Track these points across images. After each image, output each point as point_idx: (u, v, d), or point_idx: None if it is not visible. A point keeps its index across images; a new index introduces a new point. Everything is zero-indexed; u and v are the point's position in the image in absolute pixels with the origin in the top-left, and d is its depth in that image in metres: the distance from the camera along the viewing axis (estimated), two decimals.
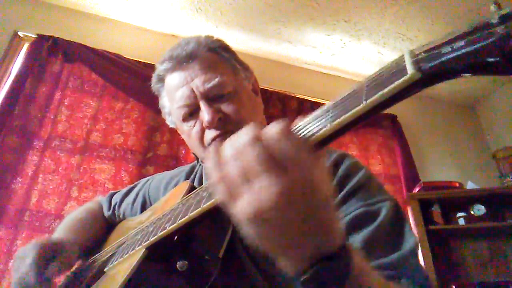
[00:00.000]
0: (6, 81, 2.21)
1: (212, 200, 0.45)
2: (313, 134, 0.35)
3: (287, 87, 2.83)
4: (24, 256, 0.75)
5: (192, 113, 0.75)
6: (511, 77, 3.07)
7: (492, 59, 0.26)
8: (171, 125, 0.88)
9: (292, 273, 0.37)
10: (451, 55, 0.28)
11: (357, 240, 0.57)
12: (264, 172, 0.32)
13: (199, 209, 0.48)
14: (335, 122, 0.34)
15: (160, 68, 0.79)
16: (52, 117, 2.20)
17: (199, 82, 0.73)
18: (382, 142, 2.96)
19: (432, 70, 0.29)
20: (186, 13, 2.57)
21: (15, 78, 2.16)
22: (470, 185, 2.59)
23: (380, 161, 2.85)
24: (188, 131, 0.77)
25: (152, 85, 0.85)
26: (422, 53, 0.30)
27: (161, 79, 0.81)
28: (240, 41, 2.79)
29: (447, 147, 3.19)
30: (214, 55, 0.78)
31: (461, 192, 2.49)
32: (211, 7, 2.51)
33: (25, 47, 2.35)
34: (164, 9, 2.55)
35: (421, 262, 2.20)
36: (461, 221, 2.44)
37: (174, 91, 0.76)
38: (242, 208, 0.33)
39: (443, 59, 0.28)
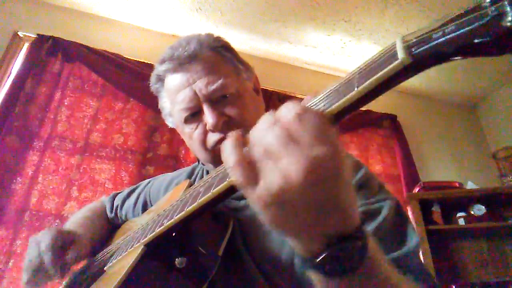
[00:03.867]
0: (6, 81, 2.21)
1: (209, 194, 0.45)
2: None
3: (287, 87, 2.83)
4: (40, 241, 0.74)
5: (194, 115, 0.74)
6: (511, 77, 3.07)
7: (482, 40, 0.26)
8: (171, 126, 0.87)
9: (306, 254, 0.36)
10: (442, 39, 0.28)
11: None
12: (288, 151, 0.31)
13: (195, 203, 0.48)
14: (327, 111, 0.34)
15: (159, 69, 0.77)
16: (52, 117, 2.20)
17: (202, 84, 0.71)
18: (382, 142, 2.96)
19: (423, 55, 0.29)
20: (186, 13, 2.57)
21: (15, 78, 2.16)
22: (470, 185, 2.59)
23: (380, 161, 2.85)
24: (190, 133, 0.76)
25: (151, 85, 0.83)
26: (414, 39, 0.30)
27: (161, 79, 0.80)
28: (240, 41, 2.79)
29: (447, 147, 3.19)
30: (216, 55, 0.76)
31: (461, 192, 2.49)
32: (211, 7, 2.51)
33: (25, 47, 2.35)
34: (164, 9, 2.55)
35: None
36: (461, 221, 2.44)
37: (175, 93, 0.75)
38: (265, 189, 0.32)
39: (434, 43, 0.28)
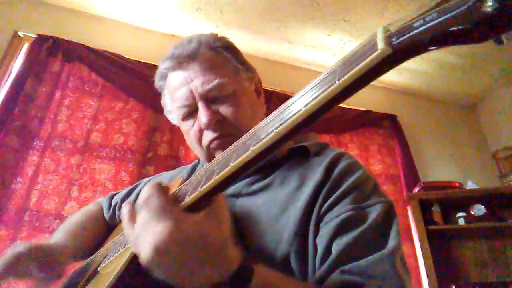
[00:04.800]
0: (6, 81, 2.20)
1: (196, 192, 0.45)
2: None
3: (287, 87, 2.83)
4: (16, 247, 0.73)
5: (191, 113, 0.75)
6: (511, 77, 3.07)
7: (462, 27, 0.25)
8: (173, 122, 0.88)
9: None
10: (422, 28, 0.27)
11: (340, 243, 0.57)
12: (143, 229, 0.43)
13: (183, 203, 0.47)
14: (308, 106, 0.34)
15: (162, 66, 0.80)
16: (52, 117, 2.20)
17: (198, 83, 0.73)
18: (382, 142, 2.96)
19: (403, 45, 0.28)
20: (186, 13, 2.57)
21: (15, 78, 2.16)
22: (470, 185, 2.59)
23: (380, 161, 2.85)
24: (187, 131, 0.77)
25: (155, 82, 0.85)
26: (395, 28, 0.29)
27: (164, 77, 0.81)
28: (240, 41, 2.77)
29: (447, 147, 3.19)
30: (215, 55, 0.77)
31: (461, 192, 2.49)
32: (211, 7, 2.51)
33: (25, 47, 2.35)
34: (164, 9, 2.55)
35: (422, 263, 2.20)
36: (461, 221, 2.44)
37: (174, 91, 0.77)
38: (144, 248, 0.42)
39: (414, 32, 0.27)
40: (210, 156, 0.75)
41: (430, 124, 3.28)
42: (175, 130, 2.40)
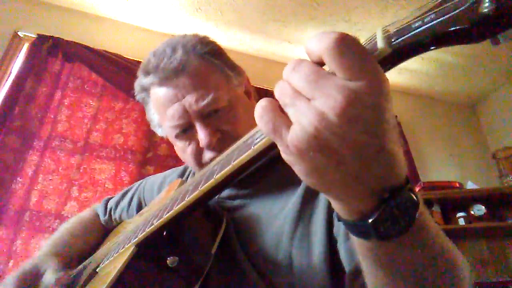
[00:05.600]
0: (6, 81, 2.21)
1: (197, 192, 0.45)
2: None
3: None
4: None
5: (185, 130, 0.70)
6: (511, 77, 3.07)
7: (460, 27, 0.25)
8: (161, 135, 0.82)
9: (353, 216, 0.32)
10: (421, 28, 0.27)
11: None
12: (321, 86, 0.28)
13: (184, 202, 0.48)
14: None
15: (144, 81, 0.73)
16: (52, 117, 2.20)
17: (192, 100, 0.66)
18: None
19: (402, 45, 0.28)
20: (186, 13, 2.57)
21: (15, 78, 2.16)
22: (470, 185, 2.59)
23: None
24: (183, 148, 0.72)
25: (136, 94, 0.79)
26: (394, 29, 0.29)
27: (145, 89, 0.75)
28: (240, 41, 2.79)
29: (447, 147, 3.19)
30: (205, 64, 0.70)
31: (461, 192, 2.49)
32: (211, 7, 2.51)
33: (25, 47, 2.35)
34: (164, 9, 2.55)
35: None
36: (461, 221, 2.44)
37: (163, 107, 0.70)
38: (299, 133, 0.28)
39: (413, 33, 0.28)
40: None
41: (430, 124, 3.28)
42: None
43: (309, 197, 0.64)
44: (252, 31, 2.72)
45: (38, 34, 2.32)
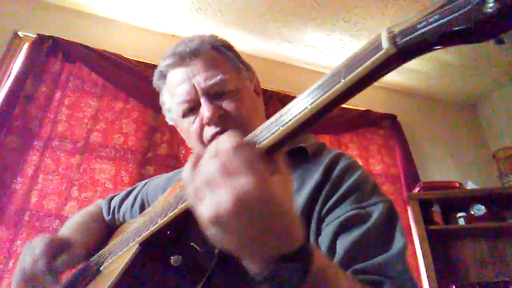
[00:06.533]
0: (6, 81, 2.21)
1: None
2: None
3: (287, 87, 2.83)
4: (33, 247, 0.74)
5: (192, 109, 0.75)
6: (511, 77, 3.07)
7: (464, 27, 0.26)
8: (171, 122, 0.87)
9: (253, 272, 0.40)
10: (426, 28, 0.28)
11: (346, 241, 0.57)
12: (221, 181, 0.35)
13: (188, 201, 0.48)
14: (314, 104, 0.35)
15: (162, 64, 0.79)
16: (52, 117, 2.20)
17: (201, 78, 0.72)
18: (382, 142, 2.96)
19: (407, 44, 0.29)
20: (186, 13, 2.57)
21: (15, 78, 2.16)
22: (470, 185, 2.59)
23: (380, 161, 2.85)
24: (187, 127, 0.76)
25: (153, 81, 0.85)
26: (399, 29, 0.30)
27: (163, 75, 0.81)
28: (240, 41, 2.79)
29: (447, 147, 3.19)
30: (218, 54, 0.77)
31: (461, 192, 2.49)
32: (211, 7, 2.51)
33: (25, 47, 2.35)
34: (164, 9, 2.55)
35: (422, 263, 2.21)
36: (461, 221, 2.44)
37: (175, 87, 0.76)
38: (203, 211, 0.36)
39: (418, 33, 0.29)
40: None
41: (430, 124, 3.28)
42: (175, 130, 2.39)
43: (309, 207, 0.65)
44: (252, 31, 2.72)
45: (38, 34, 2.32)
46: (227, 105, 0.73)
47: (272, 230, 0.37)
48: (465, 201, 2.46)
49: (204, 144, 0.74)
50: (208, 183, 0.36)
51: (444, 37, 0.27)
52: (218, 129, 0.71)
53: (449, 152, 3.17)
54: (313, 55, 2.95)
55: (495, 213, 2.48)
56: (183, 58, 0.74)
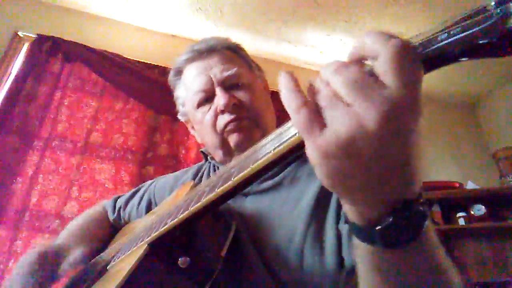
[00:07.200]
0: (6, 81, 2.20)
1: (213, 193, 0.45)
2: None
3: None
4: (21, 266, 0.74)
5: (207, 99, 0.78)
6: (511, 77, 3.07)
7: (488, 41, 0.26)
8: (182, 119, 0.90)
9: (362, 221, 0.32)
10: (447, 41, 0.28)
11: None
12: (366, 93, 0.27)
13: (199, 203, 0.48)
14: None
15: (179, 60, 0.83)
16: (52, 117, 2.20)
17: (217, 70, 0.77)
18: None
19: (429, 56, 0.29)
20: (186, 13, 2.57)
21: (15, 78, 2.16)
22: (470, 185, 2.59)
23: None
24: (201, 117, 0.78)
25: (169, 78, 0.88)
26: (419, 41, 0.30)
27: (179, 71, 0.85)
28: (240, 41, 2.78)
29: (447, 147, 3.19)
30: (232, 52, 0.83)
31: (461, 192, 2.49)
32: (211, 7, 2.51)
33: (25, 47, 2.35)
34: (164, 9, 2.55)
35: None
36: (461, 221, 2.44)
37: (192, 79, 0.80)
38: (331, 137, 0.28)
39: (440, 45, 0.29)
40: (223, 142, 0.76)
41: (430, 124, 3.28)
42: (175, 130, 2.40)
43: (324, 196, 0.65)
44: (252, 31, 2.72)
45: (38, 34, 2.32)
46: (241, 95, 0.76)
47: (411, 163, 0.30)
48: (465, 201, 2.47)
49: (217, 132, 0.76)
50: (341, 98, 0.28)
51: (469, 50, 0.27)
52: (232, 116, 0.74)
53: (449, 152, 3.17)
54: (313, 55, 2.95)
55: (495, 213, 2.48)
56: (201, 53, 0.79)
